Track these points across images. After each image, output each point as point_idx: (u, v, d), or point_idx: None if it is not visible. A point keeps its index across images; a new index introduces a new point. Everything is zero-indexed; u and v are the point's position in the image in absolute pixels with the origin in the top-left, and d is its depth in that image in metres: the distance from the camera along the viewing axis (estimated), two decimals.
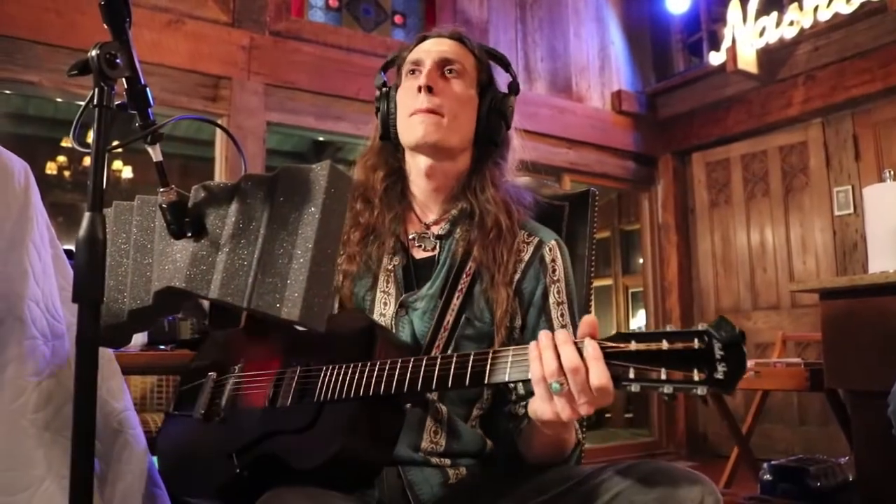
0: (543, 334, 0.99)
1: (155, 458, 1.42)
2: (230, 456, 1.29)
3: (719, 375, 0.85)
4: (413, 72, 1.47)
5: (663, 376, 0.87)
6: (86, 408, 0.92)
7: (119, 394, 1.35)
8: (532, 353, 0.98)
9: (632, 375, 0.90)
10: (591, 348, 0.93)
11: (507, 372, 1.01)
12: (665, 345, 0.89)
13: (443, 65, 1.44)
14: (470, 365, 1.05)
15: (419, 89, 1.40)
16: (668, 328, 0.91)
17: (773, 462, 3.47)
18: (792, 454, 3.98)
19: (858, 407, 2.80)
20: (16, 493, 1.11)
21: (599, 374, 0.92)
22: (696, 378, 0.86)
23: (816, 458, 3.51)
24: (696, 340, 0.87)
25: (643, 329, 0.95)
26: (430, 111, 1.39)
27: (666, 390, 0.88)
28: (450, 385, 1.07)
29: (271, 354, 1.36)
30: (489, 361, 1.04)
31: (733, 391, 0.85)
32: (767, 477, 3.40)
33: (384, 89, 1.52)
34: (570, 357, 0.94)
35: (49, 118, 7.56)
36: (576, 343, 0.96)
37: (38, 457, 1.14)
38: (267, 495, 1.13)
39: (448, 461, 1.33)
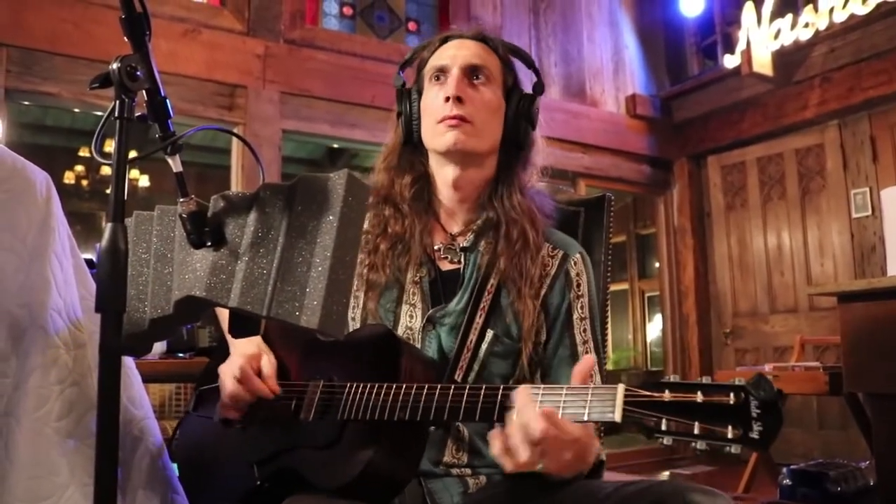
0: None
1: (175, 466, 1.43)
2: (251, 466, 1.30)
3: (754, 435, 0.83)
4: (438, 78, 1.42)
5: (696, 431, 0.86)
6: (109, 416, 0.93)
7: (139, 402, 1.36)
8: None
9: (664, 427, 0.88)
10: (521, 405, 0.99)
11: None
12: (700, 397, 0.87)
13: (470, 71, 1.40)
14: (498, 399, 1.05)
15: (447, 99, 1.38)
16: (704, 380, 0.89)
17: (792, 467, 3.44)
18: (811, 459, 3.95)
19: (879, 410, 2.77)
20: (40, 500, 1.12)
21: (533, 428, 0.95)
22: (730, 435, 0.84)
23: (836, 462, 3.47)
24: (731, 395, 0.85)
25: (676, 378, 0.92)
26: (460, 118, 1.37)
27: (699, 446, 0.87)
28: (476, 418, 1.07)
29: (294, 363, 1.36)
30: None
31: (767, 451, 0.83)
32: (787, 482, 3.37)
33: (404, 90, 1.48)
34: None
35: (67, 128, 7.64)
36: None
37: (61, 464, 1.15)
38: (287, 502, 1.14)
39: (469, 471, 1.33)
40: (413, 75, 1.51)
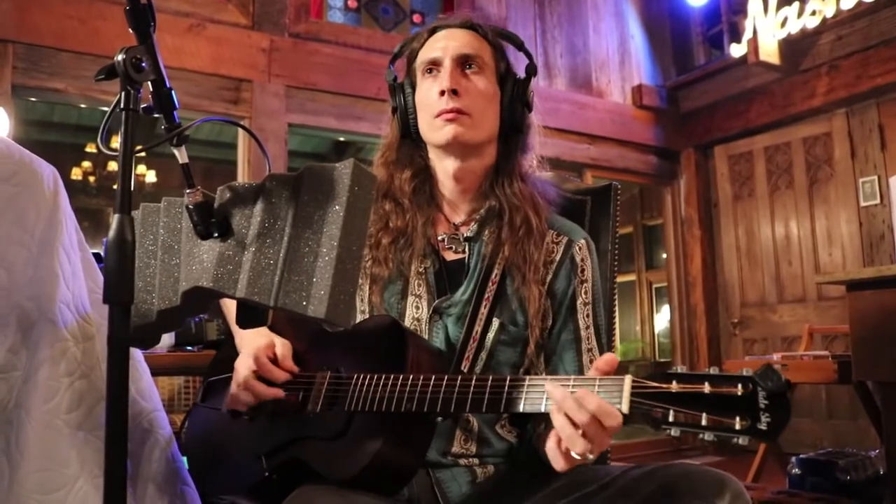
0: (556, 392, 0.98)
1: (185, 458, 1.44)
2: (259, 458, 1.30)
3: (762, 426, 0.83)
4: (430, 71, 1.42)
5: (704, 422, 0.85)
6: (118, 408, 0.93)
7: (148, 394, 1.37)
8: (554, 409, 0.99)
9: (671, 419, 0.88)
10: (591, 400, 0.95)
11: (543, 403, 1.01)
12: (707, 388, 0.86)
13: (462, 62, 1.40)
14: (505, 391, 1.05)
15: (442, 92, 1.37)
16: (712, 370, 0.88)
17: (801, 456, 3.43)
18: (820, 448, 3.94)
19: (888, 398, 2.76)
20: (51, 493, 1.13)
21: (610, 418, 0.93)
22: (737, 427, 0.83)
23: (845, 451, 3.47)
24: (739, 386, 0.85)
25: (684, 369, 0.92)
26: (457, 111, 1.36)
27: (707, 437, 0.86)
28: (484, 410, 1.07)
29: (301, 354, 1.37)
30: (525, 389, 1.03)
31: (776, 442, 0.81)
32: (796, 471, 3.37)
33: (397, 84, 1.48)
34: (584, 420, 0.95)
35: (73, 124, 7.66)
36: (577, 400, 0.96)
37: (71, 456, 1.16)
38: (296, 493, 1.14)
39: (476, 461, 1.33)
40: (404, 68, 1.51)
